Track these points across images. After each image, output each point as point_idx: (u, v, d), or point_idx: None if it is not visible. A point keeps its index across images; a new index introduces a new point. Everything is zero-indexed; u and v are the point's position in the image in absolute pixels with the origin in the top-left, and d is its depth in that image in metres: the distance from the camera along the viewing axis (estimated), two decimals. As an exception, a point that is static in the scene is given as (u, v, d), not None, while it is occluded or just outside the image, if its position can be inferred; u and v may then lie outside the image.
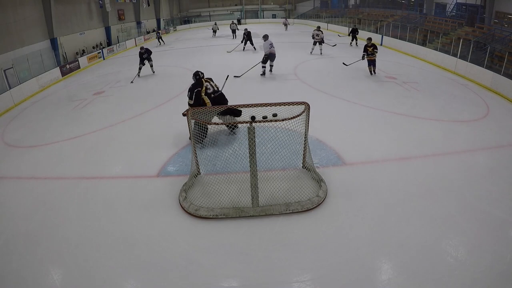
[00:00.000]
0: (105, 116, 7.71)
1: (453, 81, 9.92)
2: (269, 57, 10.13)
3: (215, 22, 26.33)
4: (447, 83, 9.72)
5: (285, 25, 27.47)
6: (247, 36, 15.38)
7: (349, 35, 16.86)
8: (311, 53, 14.00)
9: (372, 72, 10.31)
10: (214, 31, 24.11)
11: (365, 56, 10.14)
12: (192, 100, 5.45)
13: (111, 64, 15.74)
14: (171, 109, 7.88)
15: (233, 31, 21.80)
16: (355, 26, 17.84)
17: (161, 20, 32.37)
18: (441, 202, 4.04)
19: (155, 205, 4.19)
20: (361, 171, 4.83)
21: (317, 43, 13.72)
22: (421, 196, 4.18)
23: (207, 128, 5.35)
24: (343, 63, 10.85)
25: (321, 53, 13.78)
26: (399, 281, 2.99)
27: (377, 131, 6.14)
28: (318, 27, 14.03)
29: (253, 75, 10.37)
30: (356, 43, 16.18)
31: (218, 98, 5.69)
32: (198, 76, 5.71)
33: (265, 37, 10.18)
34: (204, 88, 5.53)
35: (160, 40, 21.90)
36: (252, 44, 15.47)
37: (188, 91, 5.57)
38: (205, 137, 5.29)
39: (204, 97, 5.50)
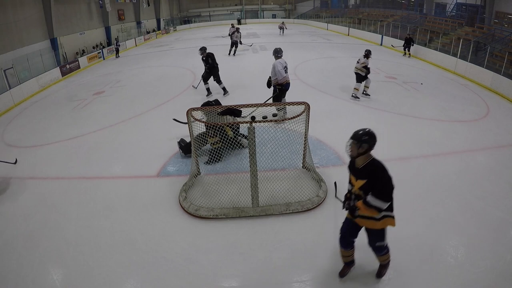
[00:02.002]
0: (105, 116, 7.71)
1: (453, 81, 9.92)
2: (285, 87, 6.37)
3: (235, 24, 16.57)
4: (447, 83, 9.71)
5: (281, 28, 23.39)
6: (207, 63, 8.07)
7: (404, 46, 13.83)
8: (356, 96, 7.93)
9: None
10: (235, 44, 14.45)
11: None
12: (217, 136, 4.58)
13: (111, 64, 15.74)
14: (171, 109, 7.87)
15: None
16: (409, 35, 13.84)
17: (161, 20, 32.40)
18: (441, 202, 4.04)
19: (155, 205, 4.19)
20: (361, 171, 4.82)
21: (363, 82, 7.78)
22: (421, 196, 4.18)
23: (204, 143, 4.85)
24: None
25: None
26: (399, 281, 2.99)
27: (377, 131, 6.10)
28: (368, 53, 7.60)
29: (253, 74, 10.36)
30: (409, 54, 13.67)
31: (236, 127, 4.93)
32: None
33: (278, 52, 6.25)
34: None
35: (117, 53, 17.94)
36: (219, 82, 8.21)
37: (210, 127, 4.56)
38: (199, 148, 4.69)
39: (227, 128, 4.75)
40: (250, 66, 10.91)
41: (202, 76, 8.34)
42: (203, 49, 7.99)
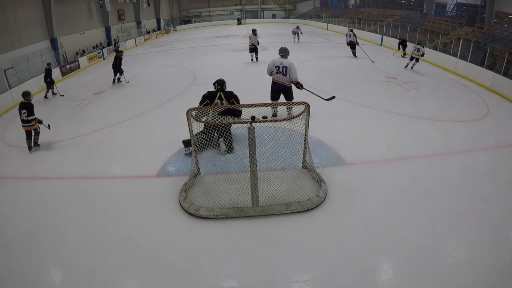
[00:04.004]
0: (105, 116, 7.71)
1: (453, 81, 9.92)
2: (273, 86, 6.48)
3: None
4: (447, 83, 9.71)
5: (295, 34, 18.83)
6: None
7: (399, 49, 14.22)
8: None
9: None
10: (254, 50, 12.46)
11: None
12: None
13: (111, 64, 15.71)
14: (171, 109, 7.87)
15: (253, 50, 12.51)
16: (401, 38, 14.36)
17: (161, 20, 32.41)
18: (441, 202, 4.03)
19: (155, 205, 4.19)
20: (361, 171, 4.83)
21: None
22: (421, 196, 4.18)
23: (211, 137, 4.87)
24: None
25: None
26: (398, 281, 2.99)
27: (377, 131, 6.14)
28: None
29: (253, 73, 10.35)
30: (403, 54, 13.74)
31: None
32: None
33: (279, 52, 6.60)
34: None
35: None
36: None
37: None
38: (208, 145, 4.86)
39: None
40: (250, 65, 10.92)
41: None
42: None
